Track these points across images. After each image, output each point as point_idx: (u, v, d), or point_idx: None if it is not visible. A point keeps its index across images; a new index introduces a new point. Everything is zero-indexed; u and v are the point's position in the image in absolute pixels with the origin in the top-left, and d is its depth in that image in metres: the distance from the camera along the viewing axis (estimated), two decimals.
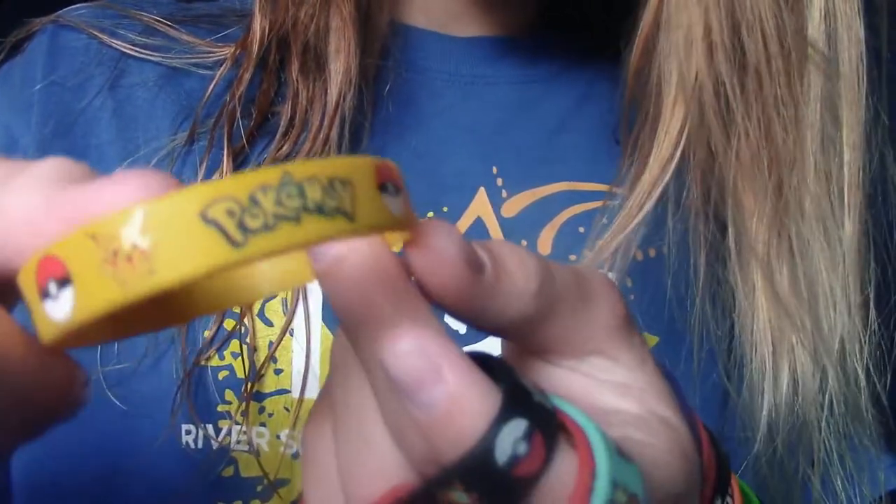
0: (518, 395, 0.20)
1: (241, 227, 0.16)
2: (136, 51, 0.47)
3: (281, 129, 0.44)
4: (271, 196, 0.16)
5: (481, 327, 0.21)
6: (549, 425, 0.20)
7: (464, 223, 0.46)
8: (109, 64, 0.47)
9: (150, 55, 0.47)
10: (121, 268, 0.16)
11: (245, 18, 0.48)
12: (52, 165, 0.19)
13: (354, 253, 0.19)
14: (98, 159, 0.45)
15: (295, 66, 0.44)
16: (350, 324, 0.19)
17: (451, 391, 0.18)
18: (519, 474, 0.19)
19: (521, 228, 0.46)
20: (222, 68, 0.45)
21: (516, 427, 0.19)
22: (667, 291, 0.43)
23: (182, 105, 0.46)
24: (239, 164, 0.44)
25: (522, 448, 0.19)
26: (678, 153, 0.40)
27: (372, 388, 0.20)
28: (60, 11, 0.49)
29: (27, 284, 0.17)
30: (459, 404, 0.19)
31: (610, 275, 0.42)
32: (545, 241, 0.46)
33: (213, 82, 0.45)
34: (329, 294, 0.19)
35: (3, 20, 0.50)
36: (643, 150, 0.42)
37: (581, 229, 0.47)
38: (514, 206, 0.47)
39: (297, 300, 0.42)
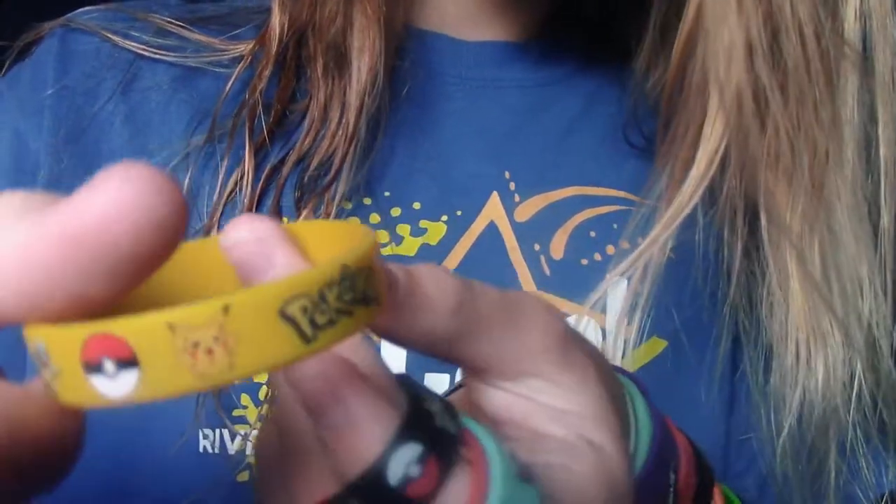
0: (417, 419, 0.21)
1: (313, 323, 0.17)
2: (151, 51, 0.46)
3: (305, 126, 0.44)
4: (335, 292, 0.17)
5: (401, 343, 0.22)
6: (446, 449, 0.21)
7: (477, 227, 0.46)
8: (122, 67, 0.47)
9: (165, 55, 0.46)
10: (200, 360, 0.16)
11: (255, 16, 0.48)
12: (7, 198, 0.17)
13: None
14: (111, 164, 0.44)
15: (319, 64, 0.44)
16: None
17: (350, 414, 0.19)
18: (411, 495, 0.20)
19: (533, 232, 0.46)
20: (241, 64, 0.45)
21: (410, 450, 0.20)
22: (681, 291, 0.44)
23: (197, 107, 0.46)
24: (259, 160, 0.44)
25: (415, 470, 0.20)
26: (718, 158, 0.41)
27: None
28: (70, 14, 0.49)
29: (63, 352, 0.16)
30: (356, 426, 0.20)
31: (631, 279, 0.43)
32: (558, 244, 0.46)
33: (232, 79, 0.45)
34: None
35: (4, 19, 0.50)
36: (681, 154, 0.42)
37: (592, 233, 0.47)
38: (527, 210, 0.47)
39: None
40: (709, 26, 0.39)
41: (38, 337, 0.16)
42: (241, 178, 0.44)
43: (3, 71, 0.49)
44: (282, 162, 0.44)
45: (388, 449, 0.20)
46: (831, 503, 0.44)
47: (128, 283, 0.16)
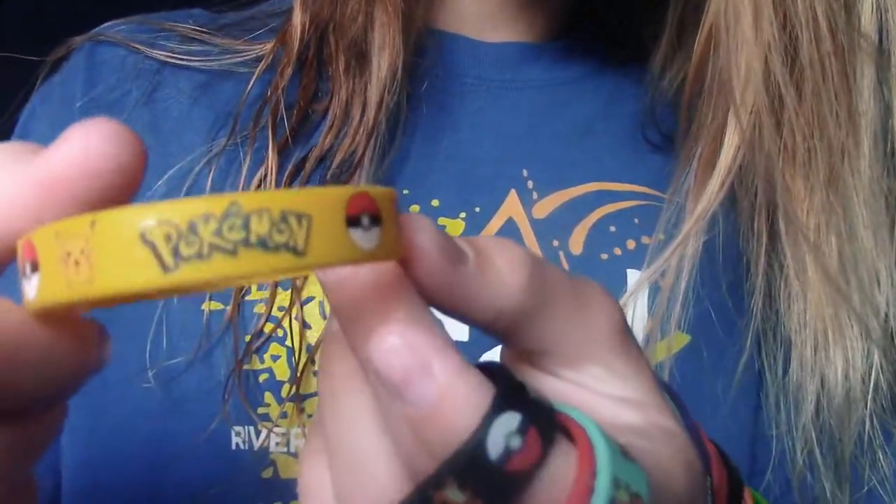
0: (512, 390, 0.19)
1: (175, 252, 0.16)
2: (177, 58, 0.47)
3: (327, 124, 0.45)
4: (212, 226, 0.16)
5: (470, 322, 0.21)
6: (545, 420, 0.19)
7: (495, 224, 0.46)
8: (146, 77, 0.48)
9: (191, 60, 0.47)
10: (70, 269, 0.16)
11: (273, 19, 0.49)
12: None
13: (354, 276, 0.19)
14: None
15: (341, 62, 0.45)
16: (343, 323, 0.20)
17: (441, 385, 0.18)
18: (513, 469, 0.18)
19: (552, 229, 0.46)
20: (262, 63, 0.46)
21: (509, 420, 0.18)
22: (704, 285, 0.44)
23: (219, 111, 0.47)
24: (282, 160, 0.45)
25: (516, 442, 0.18)
26: (741, 154, 0.41)
27: (373, 393, 0.20)
28: (98, 28, 0.50)
29: (19, 258, 0.19)
30: (449, 398, 0.18)
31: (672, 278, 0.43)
32: (577, 241, 0.46)
33: (254, 78, 0.46)
34: (329, 301, 0.20)
35: (4, 19, 0.51)
36: (705, 152, 0.43)
37: (612, 229, 0.47)
38: (546, 207, 0.47)
39: None
40: (725, 25, 0.40)
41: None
42: (265, 177, 0.44)
43: (37, 85, 0.51)
44: (304, 160, 0.45)
45: (487, 419, 0.18)
46: (850, 494, 0.43)
47: None
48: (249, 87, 0.46)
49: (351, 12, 0.45)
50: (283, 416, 0.41)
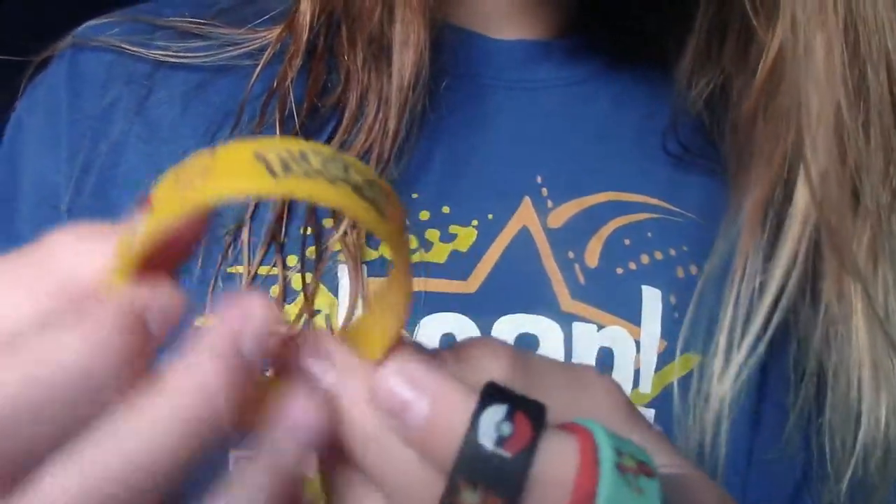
0: (496, 389, 0.21)
1: (285, 166, 0.19)
2: (174, 55, 0.44)
3: (344, 123, 0.42)
4: (320, 159, 0.19)
5: None
6: (533, 407, 0.21)
7: (509, 232, 0.44)
8: (138, 81, 0.44)
9: (191, 57, 0.44)
10: (185, 190, 0.19)
11: (271, 4, 0.46)
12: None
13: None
14: (129, 185, 0.43)
15: (359, 57, 0.42)
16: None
17: (433, 397, 0.21)
18: (510, 453, 0.20)
19: (567, 239, 0.44)
20: (269, 51, 0.43)
21: (496, 412, 0.20)
22: (718, 307, 0.42)
23: (217, 110, 0.43)
24: None
25: (507, 428, 0.20)
26: (819, 192, 0.38)
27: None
28: (80, 30, 0.46)
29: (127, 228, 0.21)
30: (442, 407, 0.21)
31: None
32: (592, 252, 0.44)
33: (259, 68, 0.43)
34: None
35: (4, 17, 0.48)
36: (761, 184, 0.41)
37: (627, 242, 0.45)
38: (560, 216, 0.45)
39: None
40: (793, 57, 0.38)
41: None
42: None
43: (21, 90, 0.47)
44: None
45: (475, 414, 0.20)
46: None
47: None
48: (253, 79, 0.43)
49: (368, 3, 0.42)
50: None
